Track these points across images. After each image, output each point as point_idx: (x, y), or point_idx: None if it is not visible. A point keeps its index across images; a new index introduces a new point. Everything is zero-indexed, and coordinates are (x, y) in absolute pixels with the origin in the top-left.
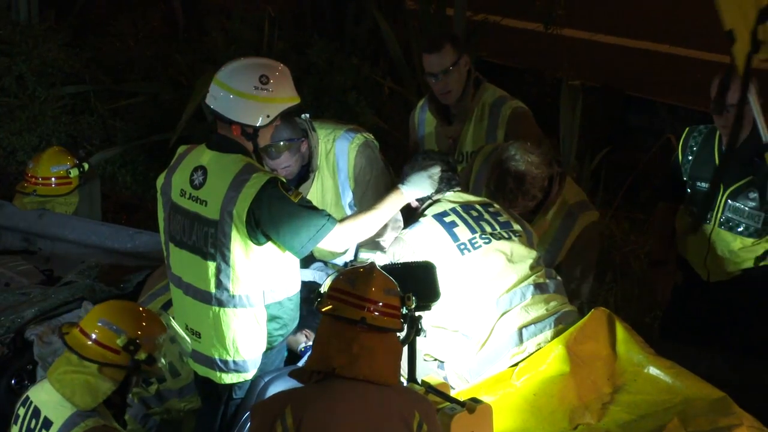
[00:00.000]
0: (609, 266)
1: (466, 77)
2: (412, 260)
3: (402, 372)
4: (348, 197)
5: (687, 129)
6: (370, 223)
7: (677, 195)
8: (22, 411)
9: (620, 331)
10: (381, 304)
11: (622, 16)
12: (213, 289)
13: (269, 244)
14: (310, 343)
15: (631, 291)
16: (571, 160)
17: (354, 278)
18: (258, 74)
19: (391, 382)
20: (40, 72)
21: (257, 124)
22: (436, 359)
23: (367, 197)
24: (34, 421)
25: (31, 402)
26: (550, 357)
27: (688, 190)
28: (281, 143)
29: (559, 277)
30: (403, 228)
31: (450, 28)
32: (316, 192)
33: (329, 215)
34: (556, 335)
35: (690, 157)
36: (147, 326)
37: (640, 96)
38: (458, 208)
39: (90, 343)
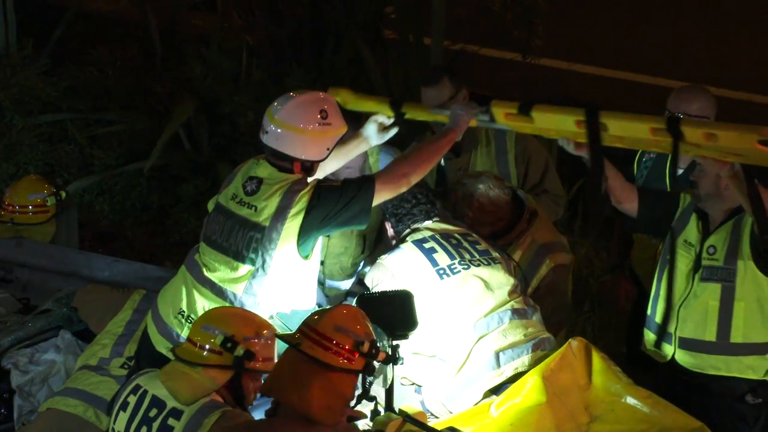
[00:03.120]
0: (586, 295)
1: None
2: (390, 288)
3: (379, 400)
4: None
5: None
6: (424, 155)
7: None
8: (132, 399)
9: (597, 360)
10: (324, 336)
11: (600, 46)
12: (240, 292)
13: (307, 259)
14: None
15: (609, 320)
16: None
17: (319, 312)
18: (317, 110)
19: (320, 420)
20: (17, 100)
21: (320, 158)
22: (413, 383)
23: None
24: (155, 410)
25: (146, 391)
26: (527, 387)
27: None
28: None
29: (537, 305)
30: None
31: (428, 57)
32: None
33: (367, 176)
34: (533, 360)
35: (644, 172)
36: (244, 324)
37: None
38: (437, 236)
39: (192, 347)
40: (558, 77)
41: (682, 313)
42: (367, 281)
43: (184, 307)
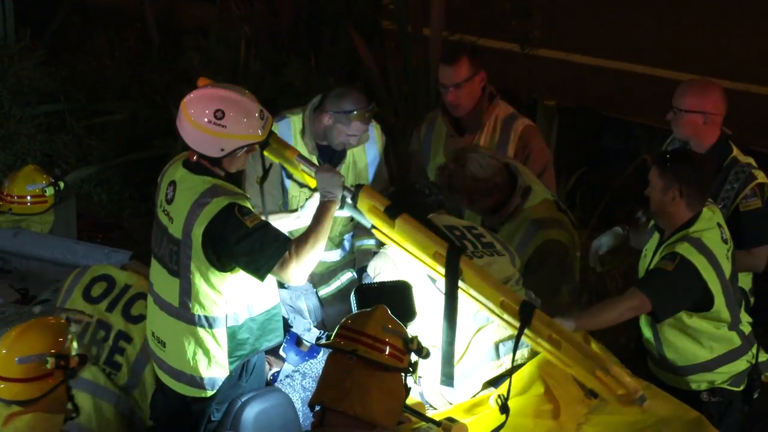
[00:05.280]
0: (584, 286)
1: (479, 93)
2: (392, 277)
3: None
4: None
5: (671, 136)
6: (318, 239)
7: None
8: None
9: (595, 351)
10: (376, 339)
11: (598, 37)
12: (177, 305)
13: (231, 272)
14: (276, 369)
15: None
16: None
17: (356, 315)
18: (214, 108)
19: (381, 423)
20: (15, 91)
21: (213, 156)
22: None
23: (380, 170)
24: None
25: None
26: (525, 378)
27: None
28: (355, 112)
29: (539, 299)
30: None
31: (427, 48)
32: (349, 167)
33: (285, 237)
34: (532, 352)
35: None
36: (56, 334)
37: (615, 116)
38: (442, 228)
39: (23, 384)
40: (556, 68)
41: (642, 327)
42: (369, 270)
43: (153, 328)
